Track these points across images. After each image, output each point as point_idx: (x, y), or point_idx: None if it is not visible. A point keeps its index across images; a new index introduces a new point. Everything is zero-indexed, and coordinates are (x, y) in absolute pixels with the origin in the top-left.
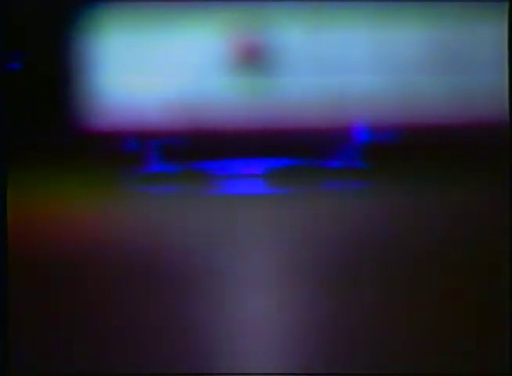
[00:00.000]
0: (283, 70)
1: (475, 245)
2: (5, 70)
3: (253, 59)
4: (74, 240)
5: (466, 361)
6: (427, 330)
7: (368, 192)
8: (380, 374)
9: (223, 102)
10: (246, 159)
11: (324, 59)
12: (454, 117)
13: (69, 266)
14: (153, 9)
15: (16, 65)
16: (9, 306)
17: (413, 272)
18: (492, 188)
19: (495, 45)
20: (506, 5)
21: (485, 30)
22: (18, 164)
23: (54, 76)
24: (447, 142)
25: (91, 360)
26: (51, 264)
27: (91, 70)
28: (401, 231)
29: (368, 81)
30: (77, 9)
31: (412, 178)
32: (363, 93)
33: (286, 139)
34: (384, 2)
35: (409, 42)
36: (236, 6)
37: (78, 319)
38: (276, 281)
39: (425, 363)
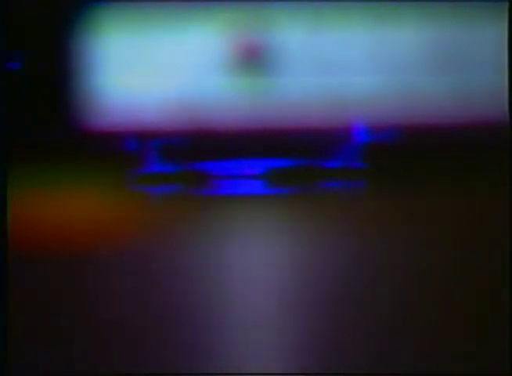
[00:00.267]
0: (282, 70)
1: (475, 245)
2: (5, 70)
3: (253, 59)
4: (74, 240)
5: (466, 361)
6: (427, 330)
7: (367, 192)
8: (380, 374)
9: (223, 102)
10: (246, 159)
11: (324, 59)
12: (454, 117)
13: (69, 266)
14: (153, 10)
15: (16, 65)
16: (8, 306)
17: (413, 272)
18: (492, 188)
19: (495, 45)
20: (506, 5)
21: (485, 30)
22: (18, 164)
23: (54, 76)
24: (447, 142)
25: (91, 360)
26: (51, 263)
27: (91, 70)
28: (401, 230)
29: (368, 81)
30: (77, 9)
31: (411, 178)
32: (363, 93)
33: (285, 140)
34: (384, 3)
35: (409, 42)
36: (237, 7)
37: (78, 319)
38: (276, 281)
39: (425, 363)
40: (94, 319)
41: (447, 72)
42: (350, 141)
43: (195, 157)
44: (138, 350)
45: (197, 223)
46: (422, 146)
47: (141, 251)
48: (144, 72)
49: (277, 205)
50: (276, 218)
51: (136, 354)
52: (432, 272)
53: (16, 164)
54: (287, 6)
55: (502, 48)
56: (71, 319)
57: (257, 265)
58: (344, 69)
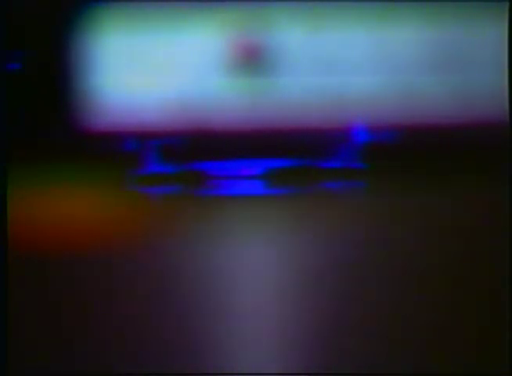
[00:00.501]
0: (282, 70)
1: (475, 245)
2: (5, 70)
3: (252, 59)
4: (74, 240)
5: (466, 361)
6: (427, 330)
7: (367, 192)
8: (380, 374)
9: (222, 102)
10: (246, 160)
11: (323, 59)
12: (454, 117)
13: (69, 266)
14: (152, 10)
15: (16, 65)
16: (8, 306)
17: (413, 272)
18: (491, 188)
19: (495, 45)
20: (506, 5)
21: (485, 30)
22: (18, 164)
23: (54, 76)
24: (447, 142)
25: (91, 360)
26: (51, 264)
27: (90, 70)
28: (400, 231)
29: (367, 81)
30: (77, 9)
31: (411, 179)
32: (362, 93)
33: (285, 140)
34: (384, 3)
35: (409, 42)
36: (236, 7)
37: (78, 319)
38: (276, 281)
39: (425, 363)
40: (94, 319)
41: (447, 72)
42: (350, 141)
43: (194, 157)
44: (138, 350)
45: (197, 223)
46: (422, 146)
47: (141, 251)
48: (143, 72)
49: (277, 205)
50: (276, 219)
51: (136, 354)
52: (432, 272)
53: (15, 164)
54: (287, 6)
55: (503, 48)
56: (71, 319)
57: (256, 266)
58: (344, 69)
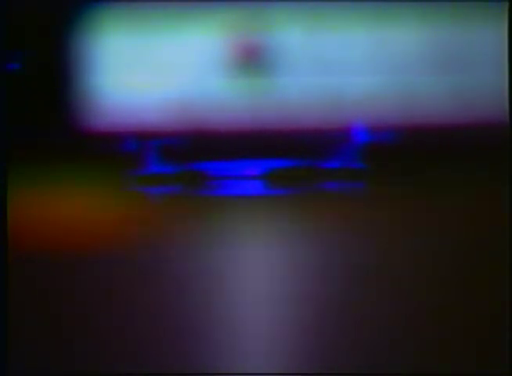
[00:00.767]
0: (282, 70)
1: (475, 245)
2: (5, 70)
3: (252, 59)
4: (74, 240)
5: (466, 361)
6: (427, 330)
7: (367, 192)
8: (380, 374)
9: (222, 102)
10: (246, 160)
11: (323, 59)
12: (454, 117)
13: (69, 266)
14: (152, 10)
15: (16, 65)
16: (9, 306)
17: (413, 272)
18: (492, 188)
19: (495, 45)
20: (506, 5)
21: (485, 30)
22: (18, 164)
23: (54, 76)
24: (447, 142)
25: (91, 360)
26: (51, 264)
27: (90, 70)
28: (400, 231)
29: (367, 81)
30: (77, 9)
31: (411, 179)
32: (362, 94)
33: (285, 140)
34: (383, 3)
35: (408, 43)
36: (236, 7)
37: (78, 319)
38: (276, 282)
39: (425, 363)
40: (94, 319)
41: (447, 72)
42: (349, 141)
43: (194, 157)
44: (138, 350)
45: (197, 224)
46: (422, 147)
47: (140, 251)
48: (143, 72)
49: (277, 205)
50: (276, 219)
51: (136, 354)
52: (432, 272)
53: (15, 164)
54: (286, 6)
55: (503, 48)
56: (71, 319)
57: (256, 265)
58: (344, 69)
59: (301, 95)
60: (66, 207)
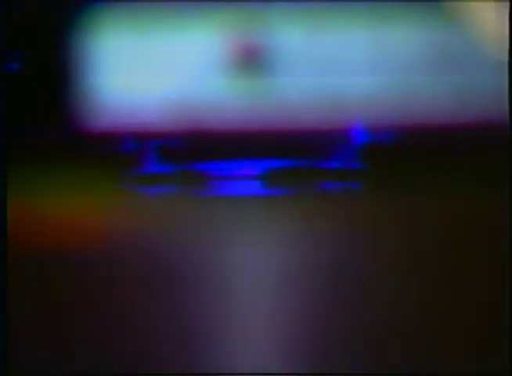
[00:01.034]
0: (281, 70)
1: (475, 245)
2: (5, 71)
3: (251, 60)
4: (74, 240)
5: (466, 361)
6: (427, 330)
7: (366, 193)
8: (380, 374)
9: (222, 103)
10: (245, 160)
11: (322, 59)
12: (454, 117)
13: (68, 266)
14: (152, 10)
15: (16, 65)
16: (9, 306)
17: (413, 272)
18: (491, 188)
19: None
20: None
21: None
22: (18, 164)
23: (54, 76)
24: (446, 142)
25: (91, 360)
26: (51, 264)
27: (90, 70)
28: (400, 232)
29: (367, 81)
30: (77, 9)
31: (411, 179)
32: (362, 94)
33: (284, 140)
34: (383, 3)
35: (408, 43)
36: (235, 7)
37: (78, 319)
38: (275, 282)
39: (425, 363)
40: (94, 319)
41: (447, 72)
42: (349, 142)
43: (194, 157)
44: (138, 350)
45: (196, 224)
46: (421, 147)
47: (140, 251)
48: (143, 73)
49: (276, 206)
50: (275, 219)
51: (136, 354)
52: (432, 272)
53: (15, 165)
54: (286, 7)
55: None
56: (71, 319)
57: (256, 266)
58: (343, 69)
59: (301, 95)
60: (65, 207)
